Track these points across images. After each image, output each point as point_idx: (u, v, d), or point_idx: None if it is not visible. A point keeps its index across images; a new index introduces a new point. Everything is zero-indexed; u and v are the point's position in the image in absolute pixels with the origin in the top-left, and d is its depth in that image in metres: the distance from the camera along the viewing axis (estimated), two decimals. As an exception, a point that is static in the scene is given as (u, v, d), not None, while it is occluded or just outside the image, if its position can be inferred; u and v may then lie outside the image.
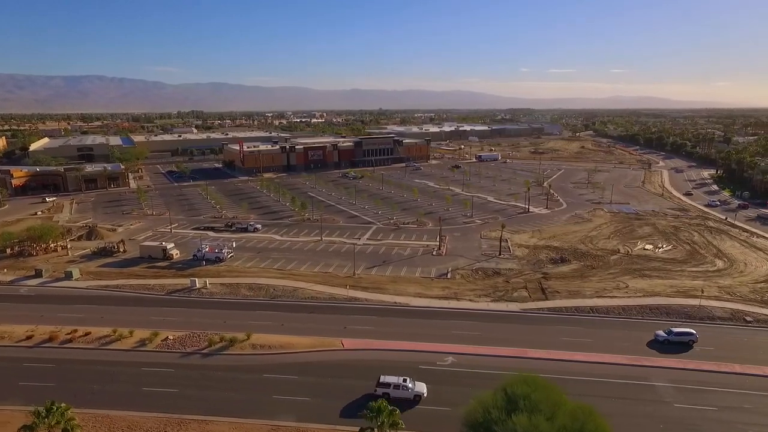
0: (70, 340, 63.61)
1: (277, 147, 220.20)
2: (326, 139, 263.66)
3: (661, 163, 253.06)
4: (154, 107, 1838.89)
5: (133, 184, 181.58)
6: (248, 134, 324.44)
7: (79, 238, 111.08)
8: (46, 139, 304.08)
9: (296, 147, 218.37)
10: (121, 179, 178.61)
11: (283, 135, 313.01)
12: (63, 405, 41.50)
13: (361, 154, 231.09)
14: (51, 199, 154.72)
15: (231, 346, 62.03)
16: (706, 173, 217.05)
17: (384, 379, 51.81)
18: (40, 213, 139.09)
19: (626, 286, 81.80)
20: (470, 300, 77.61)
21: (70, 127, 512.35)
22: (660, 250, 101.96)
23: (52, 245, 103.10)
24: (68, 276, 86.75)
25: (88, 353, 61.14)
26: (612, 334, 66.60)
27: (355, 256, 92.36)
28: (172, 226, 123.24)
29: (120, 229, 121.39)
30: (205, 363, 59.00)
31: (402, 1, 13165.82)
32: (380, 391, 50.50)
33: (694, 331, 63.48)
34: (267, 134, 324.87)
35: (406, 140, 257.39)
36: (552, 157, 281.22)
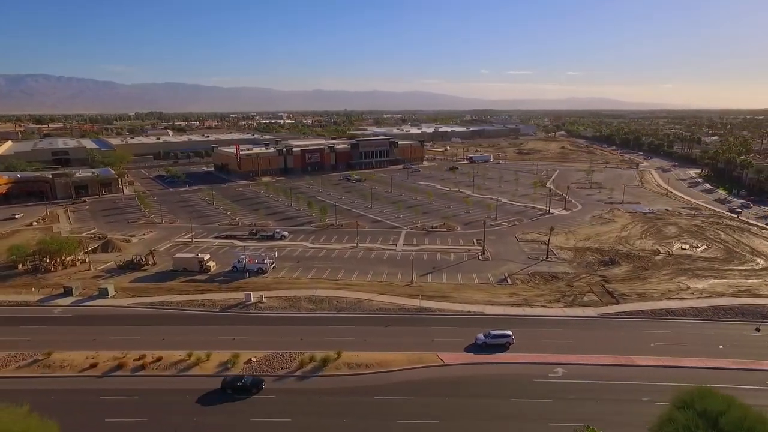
0: (142, 367, 57.56)
1: (274, 150, 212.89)
2: (319, 141, 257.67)
3: (645, 163, 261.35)
4: (106, 108, 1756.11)
5: (127, 190, 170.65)
6: (230, 136, 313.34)
7: (94, 250, 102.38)
8: (9, 143, 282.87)
9: (293, 149, 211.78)
10: (114, 185, 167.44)
11: (269, 137, 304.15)
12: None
13: (358, 156, 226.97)
14: (20, 216, 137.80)
15: (325, 367, 57.77)
16: (692, 172, 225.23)
17: None
18: (35, 224, 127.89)
19: (687, 288, 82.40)
20: (543, 306, 76.01)
21: (23, 129, 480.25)
22: (698, 249, 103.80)
23: (68, 259, 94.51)
24: (103, 293, 79.38)
25: (168, 381, 55.43)
26: (702, 337, 66.35)
27: (411, 264, 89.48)
28: (191, 234, 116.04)
29: (134, 240, 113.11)
30: (304, 386, 54.54)
31: (362, 3, 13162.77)
32: None
33: (510, 333, 62.98)
34: (250, 136, 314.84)
35: (401, 142, 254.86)
36: (539, 158, 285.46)
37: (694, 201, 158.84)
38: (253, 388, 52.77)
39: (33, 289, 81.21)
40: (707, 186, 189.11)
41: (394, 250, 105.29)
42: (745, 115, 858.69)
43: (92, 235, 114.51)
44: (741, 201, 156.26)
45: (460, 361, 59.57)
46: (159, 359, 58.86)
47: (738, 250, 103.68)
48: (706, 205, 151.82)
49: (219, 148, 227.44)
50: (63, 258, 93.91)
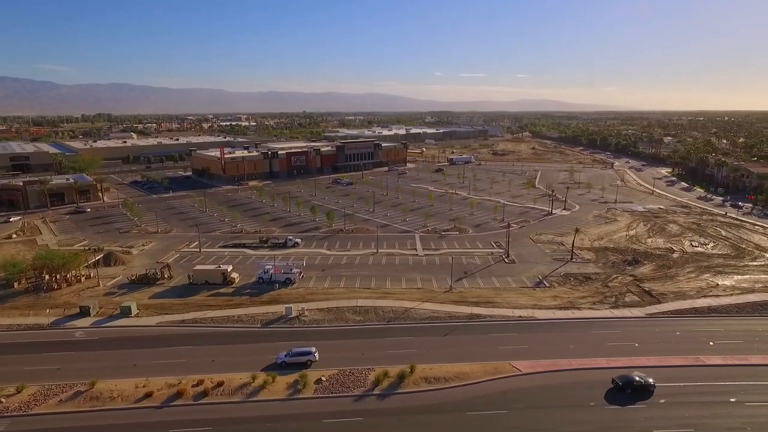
0: (204, 393, 52.48)
1: (259, 153, 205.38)
2: (300, 144, 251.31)
3: (617, 163, 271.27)
4: (46, 109, 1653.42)
5: (106, 197, 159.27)
6: (202, 139, 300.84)
7: (95, 264, 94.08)
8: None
9: (278, 153, 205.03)
10: (92, 192, 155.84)
11: (243, 140, 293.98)
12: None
13: (344, 158, 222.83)
14: (15, 218, 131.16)
15: (402, 383, 54.71)
16: (663, 171, 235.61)
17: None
18: (14, 236, 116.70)
19: (716, 285, 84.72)
20: (590, 308, 75.88)
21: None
22: (709, 246, 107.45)
23: (71, 275, 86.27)
24: (125, 312, 72.67)
25: (239, 409, 50.68)
26: (754, 334, 67.71)
27: (450, 270, 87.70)
28: (194, 244, 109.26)
29: (134, 251, 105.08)
30: (389, 406, 51.28)
31: (314, 4, 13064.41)
32: None
33: (314, 350, 59.58)
34: (222, 139, 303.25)
35: (385, 144, 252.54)
36: (515, 159, 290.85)
37: (680, 199, 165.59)
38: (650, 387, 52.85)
39: (47, 310, 73.08)
40: (683, 184, 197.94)
41: (417, 254, 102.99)
42: (687, 116, 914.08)
43: (86, 248, 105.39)
44: (722, 198, 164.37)
45: (536, 369, 57.99)
46: (220, 384, 53.88)
47: (743, 246, 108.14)
48: (692, 203, 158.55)
49: (197, 151, 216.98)
50: (65, 274, 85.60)
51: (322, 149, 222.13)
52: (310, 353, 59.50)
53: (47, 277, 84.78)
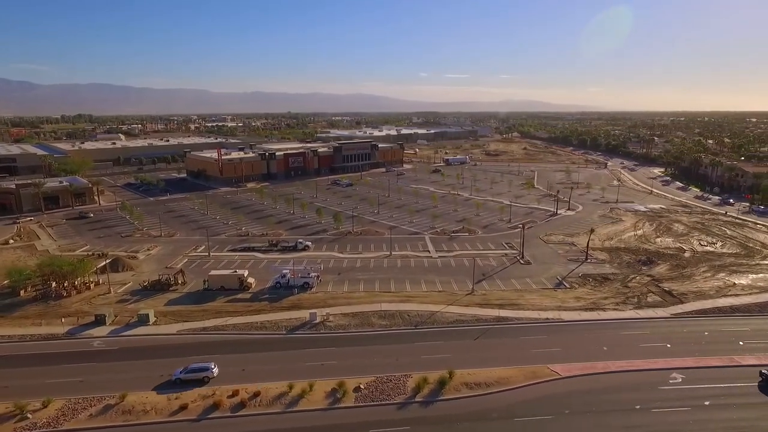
0: (241, 405, 50.64)
1: (256, 154, 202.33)
2: (295, 145, 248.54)
3: (610, 163, 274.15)
4: (23, 110, 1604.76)
5: (103, 200, 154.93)
6: (194, 140, 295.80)
7: (103, 270, 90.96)
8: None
9: (276, 154, 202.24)
10: (88, 195, 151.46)
11: (234, 141, 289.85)
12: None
13: (341, 159, 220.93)
14: (25, 220, 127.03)
15: (443, 389, 53.56)
16: (656, 171, 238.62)
17: None
18: (12, 242, 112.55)
19: (733, 284, 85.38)
20: (614, 309, 75.70)
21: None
22: (717, 245, 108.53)
23: (80, 282, 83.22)
24: (143, 320, 70.20)
25: (283, 419, 49.00)
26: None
27: (473, 273, 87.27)
28: (201, 248, 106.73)
29: (140, 256, 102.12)
30: (433, 413, 50.10)
31: (299, 4, 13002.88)
32: None
33: (212, 365, 56.53)
34: (213, 140, 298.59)
35: (381, 145, 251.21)
36: (509, 159, 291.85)
37: (679, 199, 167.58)
38: None
39: (62, 320, 70.11)
40: (678, 184, 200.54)
41: (431, 257, 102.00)
42: (668, 117, 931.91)
43: (89, 253, 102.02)
44: (719, 198, 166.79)
45: (573, 373, 57.36)
46: (257, 394, 52.08)
47: (751, 245, 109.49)
48: (691, 202, 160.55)
49: (192, 152, 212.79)
50: (73, 281, 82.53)
51: (320, 150, 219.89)
52: (207, 369, 55.76)
53: (54, 284, 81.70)
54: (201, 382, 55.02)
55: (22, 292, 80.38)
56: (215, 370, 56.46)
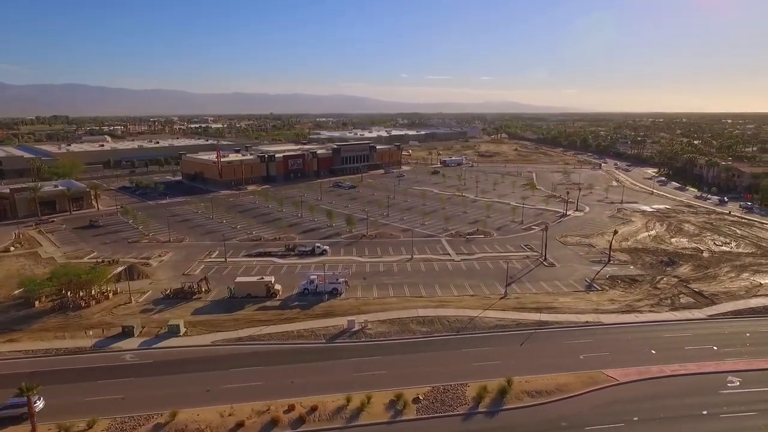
0: (300, 421, 48.32)
1: (255, 156, 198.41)
2: (291, 146, 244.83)
3: (604, 164, 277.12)
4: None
5: (100, 205, 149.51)
6: (184, 142, 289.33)
7: (118, 278, 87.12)
8: None
9: (275, 156, 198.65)
10: (86, 200, 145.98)
11: (226, 143, 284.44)
12: None
13: (340, 161, 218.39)
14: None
15: (504, 398, 52.09)
16: (650, 171, 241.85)
17: None
18: (12, 249, 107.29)
19: (760, 284, 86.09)
20: (650, 311, 75.40)
21: None
22: (733, 245, 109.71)
23: (98, 291, 79.50)
24: (173, 331, 67.11)
25: (346, 435, 46.82)
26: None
27: (506, 276, 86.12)
28: (216, 254, 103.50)
29: (153, 263, 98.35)
30: (500, 424, 48.60)
31: (285, 5, 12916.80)
32: None
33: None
34: (204, 141, 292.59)
35: (379, 146, 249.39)
36: (503, 160, 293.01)
37: (680, 199, 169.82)
38: None
39: (90, 332, 66.51)
40: (675, 184, 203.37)
41: (453, 260, 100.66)
42: (646, 117, 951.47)
43: (99, 260, 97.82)
44: (718, 198, 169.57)
45: (631, 378, 56.51)
46: (314, 408, 49.79)
47: (765, 245, 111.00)
48: (693, 202, 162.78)
49: (188, 155, 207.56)
50: (90, 290, 78.76)
51: (319, 152, 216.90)
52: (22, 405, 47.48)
53: (70, 294, 77.79)
54: (20, 419, 47.09)
55: (36, 303, 76.31)
56: (41, 404, 48.72)
